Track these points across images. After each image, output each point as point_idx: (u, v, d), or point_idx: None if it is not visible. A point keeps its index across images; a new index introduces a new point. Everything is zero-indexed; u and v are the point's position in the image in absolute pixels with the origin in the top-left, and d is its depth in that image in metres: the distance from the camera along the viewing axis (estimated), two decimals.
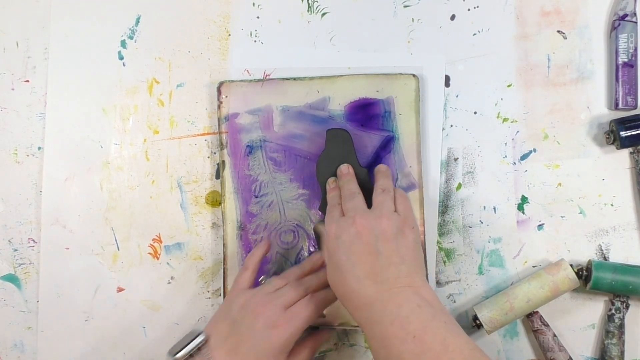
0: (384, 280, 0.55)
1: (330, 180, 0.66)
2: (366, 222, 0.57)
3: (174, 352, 0.59)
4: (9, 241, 0.72)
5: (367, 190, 0.62)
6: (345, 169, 0.66)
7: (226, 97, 0.69)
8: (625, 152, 0.69)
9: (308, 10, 0.71)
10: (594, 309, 0.69)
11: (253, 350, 0.57)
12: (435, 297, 0.55)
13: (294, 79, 0.69)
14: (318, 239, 0.68)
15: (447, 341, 0.51)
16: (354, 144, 0.67)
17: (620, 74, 0.67)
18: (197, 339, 0.59)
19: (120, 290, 0.71)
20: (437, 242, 0.69)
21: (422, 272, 0.57)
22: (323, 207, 0.67)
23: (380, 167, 0.65)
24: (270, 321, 0.58)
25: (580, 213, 0.69)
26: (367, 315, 0.54)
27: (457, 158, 0.70)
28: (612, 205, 0.69)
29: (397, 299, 0.53)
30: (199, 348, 0.59)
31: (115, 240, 0.71)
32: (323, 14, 0.71)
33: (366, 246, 0.56)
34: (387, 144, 0.68)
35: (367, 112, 0.69)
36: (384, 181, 0.63)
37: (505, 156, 0.69)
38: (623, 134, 0.65)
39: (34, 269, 0.72)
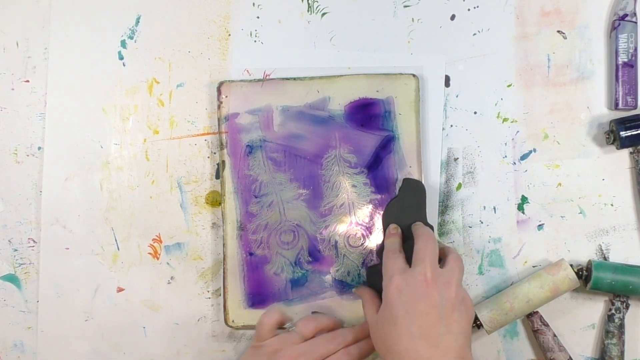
0: (440, 346, 0.54)
1: (392, 226, 0.65)
2: (437, 281, 0.56)
3: None
4: (9, 241, 0.72)
5: None
6: (423, 231, 0.62)
7: (226, 97, 0.69)
8: (625, 152, 0.69)
9: (308, 10, 0.71)
10: (594, 309, 0.69)
11: None
12: None
13: (294, 79, 0.69)
14: (371, 278, 0.66)
15: None
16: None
17: (620, 74, 0.67)
18: None
19: (120, 290, 0.71)
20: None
21: (470, 347, 0.57)
22: (381, 253, 0.65)
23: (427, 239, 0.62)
24: None
25: (580, 213, 0.69)
26: None
27: (457, 158, 0.70)
28: (612, 205, 0.69)
29: None
30: None
31: (115, 240, 0.71)
32: (323, 14, 0.71)
33: (431, 308, 0.55)
34: (387, 144, 0.68)
35: (367, 112, 0.69)
36: (454, 252, 0.61)
37: (505, 156, 0.69)
38: (623, 134, 0.65)
39: (34, 269, 0.72)
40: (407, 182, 0.66)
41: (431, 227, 0.65)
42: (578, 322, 0.69)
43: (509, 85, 0.70)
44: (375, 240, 0.68)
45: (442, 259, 0.60)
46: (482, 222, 0.69)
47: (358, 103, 0.69)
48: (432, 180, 0.69)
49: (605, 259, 0.69)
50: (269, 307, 0.64)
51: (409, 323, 0.54)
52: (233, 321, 0.68)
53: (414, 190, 0.66)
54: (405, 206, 0.66)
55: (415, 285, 0.56)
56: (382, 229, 0.67)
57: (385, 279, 0.58)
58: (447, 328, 0.55)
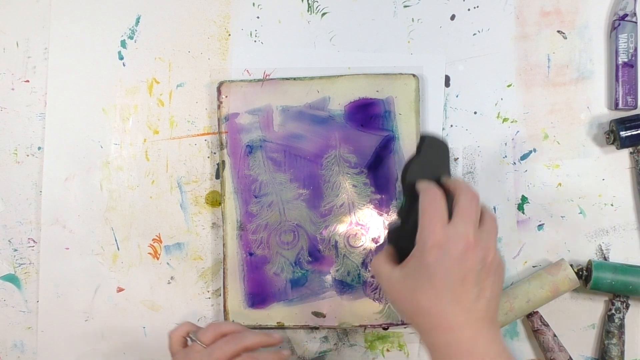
0: (473, 310, 0.52)
1: (425, 183, 0.56)
2: (478, 244, 0.52)
3: None
4: (9, 241, 0.72)
5: None
6: (466, 187, 0.56)
7: (226, 97, 0.69)
8: (625, 152, 0.69)
9: (308, 10, 0.71)
10: (594, 309, 0.69)
11: None
12: (501, 337, 0.54)
13: (294, 79, 0.69)
14: (392, 238, 0.58)
15: None
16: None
17: (620, 74, 0.67)
18: None
19: (120, 290, 0.71)
20: None
21: (498, 306, 0.55)
22: (402, 212, 0.57)
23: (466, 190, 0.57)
24: None
25: (580, 213, 0.69)
26: (444, 341, 0.51)
27: (457, 158, 0.70)
28: (612, 205, 0.69)
29: (484, 336, 0.51)
30: None
31: (115, 240, 0.71)
32: (323, 14, 0.71)
33: (469, 272, 0.52)
34: (387, 144, 0.68)
35: (367, 112, 0.69)
36: (490, 211, 0.57)
37: (505, 156, 0.69)
38: (623, 134, 0.65)
39: (34, 269, 0.72)
40: (429, 139, 0.57)
41: None
42: (578, 322, 0.69)
43: (509, 85, 0.69)
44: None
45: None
46: None
47: (358, 103, 0.69)
48: None
49: (605, 259, 0.69)
50: (180, 324, 0.63)
51: (445, 285, 0.51)
52: (233, 321, 0.68)
53: (436, 148, 0.58)
54: (427, 165, 0.57)
55: (457, 246, 0.51)
56: (403, 187, 0.57)
57: (423, 231, 0.52)
58: (480, 292, 0.52)
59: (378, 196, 0.68)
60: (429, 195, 0.54)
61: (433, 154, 0.57)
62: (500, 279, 0.54)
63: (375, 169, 0.68)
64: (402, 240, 0.54)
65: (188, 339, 0.62)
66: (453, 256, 0.51)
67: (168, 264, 0.71)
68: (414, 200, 0.55)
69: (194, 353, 0.60)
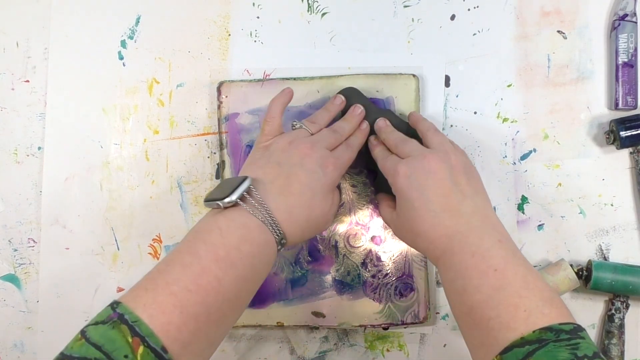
0: (461, 213, 0.55)
1: (372, 138, 0.65)
2: (437, 158, 0.57)
3: (219, 196, 0.54)
4: (9, 241, 0.72)
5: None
6: (382, 123, 0.65)
7: (226, 97, 0.69)
8: (625, 152, 0.69)
9: (308, 10, 0.71)
10: (594, 309, 0.69)
11: (306, 188, 0.56)
12: (508, 233, 0.55)
13: (294, 79, 0.69)
14: (380, 187, 0.67)
15: (528, 278, 0.50)
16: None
17: (620, 74, 0.67)
18: (245, 182, 0.54)
19: (120, 290, 0.71)
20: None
21: (491, 205, 0.58)
22: (379, 184, 0.67)
23: (413, 114, 0.66)
24: (321, 161, 0.58)
25: (580, 213, 0.69)
26: (444, 247, 0.54)
27: None
28: (612, 205, 0.69)
29: (478, 231, 0.54)
30: (248, 192, 0.54)
31: (115, 240, 0.71)
32: (323, 14, 0.71)
33: (440, 181, 0.56)
34: None
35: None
36: (426, 123, 0.64)
37: (505, 156, 0.69)
38: (623, 134, 0.65)
39: (34, 269, 0.72)
40: (343, 92, 0.67)
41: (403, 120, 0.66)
42: (578, 322, 0.69)
43: (509, 85, 0.69)
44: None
45: (423, 138, 0.62)
46: None
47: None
48: None
49: (605, 259, 0.69)
50: (270, 103, 0.63)
51: (426, 202, 0.56)
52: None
53: (352, 97, 0.66)
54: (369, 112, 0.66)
55: (419, 166, 0.57)
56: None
57: (389, 175, 0.59)
58: (462, 194, 0.56)
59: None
60: (352, 115, 0.64)
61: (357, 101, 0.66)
62: (475, 175, 0.59)
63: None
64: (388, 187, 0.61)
65: (292, 125, 0.63)
66: (419, 176, 0.56)
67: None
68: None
69: (302, 136, 0.60)
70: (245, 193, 0.54)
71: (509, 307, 0.48)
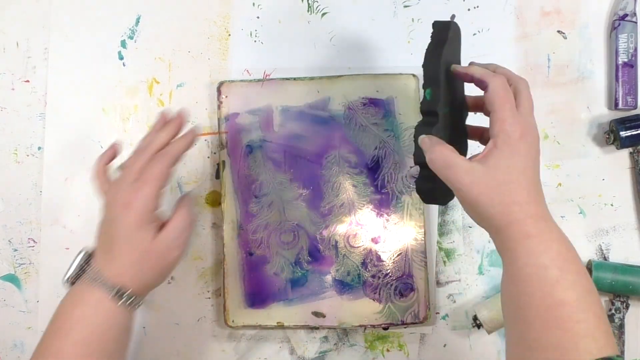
0: (544, 202, 0.50)
1: (492, 66, 0.54)
2: (539, 137, 0.51)
3: (64, 275, 0.57)
4: (9, 241, 0.72)
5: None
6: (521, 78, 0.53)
7: (226, 97, 0.69)
8: (625, 152, 0.69)
9: (308, 10, 0.71)
10: None
11: (121, 238, 0.55)
12: None
13: (294, 79, 0.69)
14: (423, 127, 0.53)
15: (595, 289, 0.48)
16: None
17: (620, 74, 0.67)
18: (79, 255, 0.57)
19: None
20: (437, 242, 0.69)
21: None
22: (434, 103, 0.52)
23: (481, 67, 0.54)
24: (123, 201, 0.55)
25: (580, 213, 0.69)
26: (535, 226, 0.48)
27: None
28: (612, 205, 0.69)
29: (560, 230, 0.50)
30: (87, 263, 0.57)
31: None
32: (323, 14, 0.71)
33: (537, 161, 0.50)
34: (387, 144, 0.68)
35: (367, 112, 0.69)
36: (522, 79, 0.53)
37: None
38: (623, 134, 0.65)
39: (34, 269, 0.72)
40: (448, 24, 0.54)
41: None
42: None
43: None
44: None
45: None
46: None
47: (358, 103, 0.69)
48: None
49: (605, 259, 0.69)
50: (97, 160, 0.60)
51: (534, 176, 0.49)
52: (233, 321, 0.68)
53: (456, 33, 0.55)
54: (451, 52, 0.54)
55: (534, 131, 0.50)
56: (424, 77, 0.52)
57: (505, 121, 0.49)
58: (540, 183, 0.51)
59: (378, 196, 0.68)
60: (499, 82, 0.51)
61: (453, 40, 0.55)
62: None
63: (376, 168, 0.68)
64: (436, 133, 0.51)
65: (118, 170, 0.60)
66: (535, 147, 0.50)
67: None
68: (445, 89, 0.52)
69: (123, 183, 0.56)
70: (81, 267, 0.57)
71: (596, 315, 0.46)
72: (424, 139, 0.51)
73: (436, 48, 0.52)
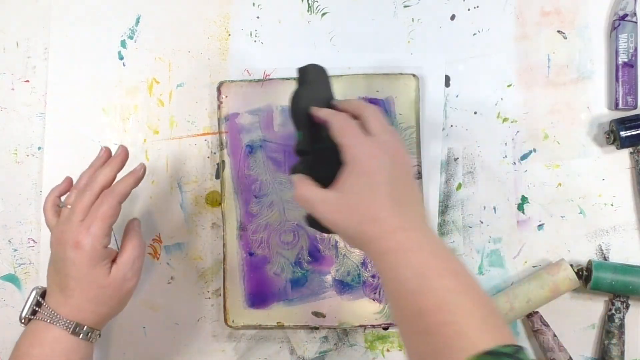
0: (415, 213, 0.52)
1: (323, 109, 0.57)
2: (400, 149, 0.54)
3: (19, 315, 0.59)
4: (9, 241, 0.72)
5: None
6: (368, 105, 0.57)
7: (226, 97, 0.69)
8: (625, 152, 0.69)
9: (308, 10, 0.71)
10: (594, 309, 0.69)
11: (75, 278, 0.56)
12: None
13: (294, 79, 0.69)
14: (300, 166, 0.57)
15: (475, 285, 0.49)
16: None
17: (620, 74, 0.67)
18: (31, 294, 0.59)
19: None
20: None
21: None
22: (303, 144, 0.57)
23: (351, 101, 0.58)
24: (73, 241, 0.56)
25: (580, 213, 0.69)
26: (397, 241, 0.49)
27: (457, 158, 0.70)
28: (612, 205, 0.69)
29: (429, 233, 0.51)
30: (38, 303, 0.59)
31: (116, 240, 0.71)
32: (323, 14, 0.71)
33: (406, 175, 0.53)
34: None
35: None
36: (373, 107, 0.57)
37: (505, 156, 0.69)
38: (623, 134, 0.65)
39: (34, 269, 0.72)
40: (305, 69, 0.58)
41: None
42: (578, 322, 0.69)
43: (509, 85, 0.69)
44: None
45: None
46: (482, 222, 0.69)
47: None
48: (432, 180, 0.69)
49: (605, 259, 0.69)
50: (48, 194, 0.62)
51: (388, 190, 0.51)
52: (233, 321, 0.68)
53: (317, 74, 0.59)
54: (313, 93, 0.58)
55: (388, 153, 0.52)
56: (293, 122, 0.58)
57: (351, 148, 0.52)
58: (413, 198, 0.53)
59: None
60: (339, 117, 0.55)
61: (316, 81, 0.59)
62: (418, 187, 0.57)
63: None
64: (312, 170, 0.55)
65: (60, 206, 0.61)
66: (387, 163, 0.52)
67: (168, 264, 0.71)
68: (312, 129, 0.56)
69: (70, 223, 0.58)
70: (35, 306, 0.59)
71: (465, 313, 0.47)
72: (293, 178, 0.55)
73: (295, 93, 0.57)
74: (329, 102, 0.58)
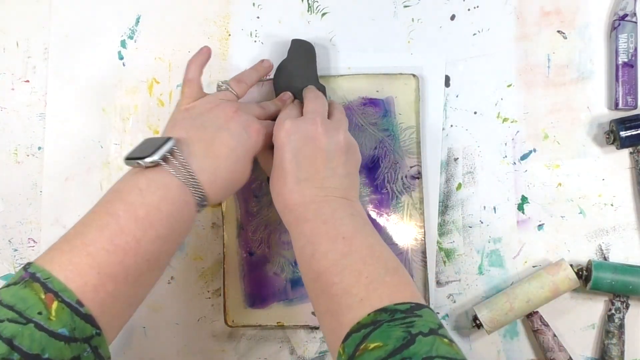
0: (324, 187, 0.56)
1: (289, 95, 0.65)
2: (326, 128, 0.57)
3: (140, 155, 0.52)
4: (9, 241, 0.72)
5: None
6: (312, 90, 0.64)
7: None
8: (625, 152, 0.69)
9: (308, 10, 0.71)
10: (594, 309, 0.69)
11: (231, 151, 0.55)
12: (366, 216, 0.57)
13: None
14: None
15: (375, 248, 0.52)
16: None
17: (620, 74, 0.67)
18: (168, 142, 0.53)
19: None
20: (437, 242, 0.69)
21: (358, 191, 0.59)
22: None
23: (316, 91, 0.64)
24: (245, 123, 0.57)
25: (580, 213, 0.69)
26: (298, 215, 0.55)
27: (457, 158, 0.70)
28: (612, 205, 0.69)
29: (333, 204, 0.55)
30: (171, 153, 0.53)
31: None
32: (323, 14, 0.71)
33: (319, 152, 0.56)
34: (387, 144, 0.68)
35: (367, 112, 0.69)
36: (339, 105, 0.64)
37: (505, 156, 0.69)
38: (623, 134, 0.65)
39: None
40: (296, 42, 0.66)
41: (323, 88, 0.66)
42: (578, 322, 0.69)
43: (509, 85, 0.70)
44: None
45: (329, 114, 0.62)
46: (482, 222, 0.69)
47: (358, 103, 0.69)
48: (432, 180, 0.69)
49: (605, 259, 0.69)
50: (188, 64, 0.61)
51: (296, 166, 0.56)
52: (233, 321, 0.68)
53: (304, 51, 0.66)
54: (295, 69, 0.66)
55: (305, 130, 0.57)
56: (275, 93, 0.67)
57: (276, 126, 0.58)
58: (332, 171, 0.56)
59: (377, 196, 0.68)
60: (281, 99, 0.63)
61: (301, 58, 0.66)
62: (354, 159, 0.59)
63: (375, 169, 0.68)
64: None
65: (219, 86, 0.62)
66: (300, 140, 0.56)
67: (168, 264, 0.71)
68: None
69: (226, 99, 0.59)
70: (168, 154, 0.52)
71: (353, 273, 0.50)
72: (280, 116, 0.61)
73: (282, 64, 0.67)
74: (311, 82, 0.66)
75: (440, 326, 0.47)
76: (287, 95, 0.65)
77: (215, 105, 0.58)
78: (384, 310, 0.46)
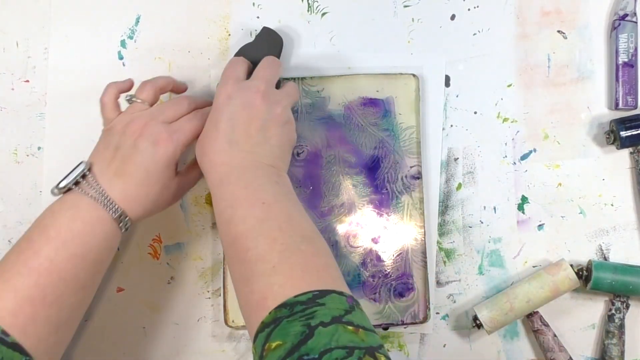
0: (254, 152, 0.56)
1: (241, 58, 0.64)
2: (265, 98, 0.57)
3: (57, 183, 0.56)
4: (9, 241, 0.72)
5: None
6: (269, 59, 0.64)
7: None
8: (625, 152, 0.69)
9: (308, 10, 0.71)
10: (594, 309, 0.69)
11: (139, 169, 0.56)
12: (292, 188, 0.57)
13: (294, 79, 0.69)
14: None
15: (293, 215, 0.52)
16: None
17: (620, 74, 0.67)
18: (78, 167, 0.56)
19: (120, 290, 0.71)
20: (437, 242, 0.69)
21: (287, 166, 0.59)
22: None
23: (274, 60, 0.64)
24: (152, 138, 0.57)
25: (580, 213, 0.69)
26: (221, 176, 0.55)
27: (457, 158, 0.70)
28: (612, 205, 0.69)
29: (259, 170, 0.55)
30: (83, 176, 0.56)
31: None
32: (323, 14, 0.71)
33: (254, 119, 0.57)
34: (387, 144, 0.68)
35: (367, 112, 0.69)
36: (293, 83, 0.65)
37: (505, 156, 0.69)
38: (623, 134, 0.65)
39: None
40: (265, 30, 0.67)
41: (280, 80, 0.65)
42: (578, 322, 0.69)
43: (509, 85, 0.70)
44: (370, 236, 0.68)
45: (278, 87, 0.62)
46: (482, 222, 0.69)
47: (358, 103, 0.69)
48: (432, 180, 0.69)
49: (605, 259, 0.69)
50: (105, 87, 0.63)
51: (229, 128, 0.56)
52: (233, 321, 0.68)
53: (272, 40, 0.67)
54: (255, 54, 0.65)
55: (247, 95, 0.57)
56: None
57: (219, 85, 0.59)
58: (265, 139, 0.57)
59: (377, 196, 0.68)
60: (231, 62, 0.62)
61: (268, 46, 0.66)
62: (289, 135, 0.59)
63: (375, 169, 0.68)
64: None
65: (126, 100, 0.62)
66: (238, 103, 0.57)
67: (168, 264, 0.71)
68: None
69: (137, 112, 0.60)
70: (80, 178, 0.56)
71: (268, 239, 0.50)
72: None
73: (245, 45, 0.67)
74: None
75: (347, 312, 0.45)
76: (242, 60, 0.64)
77: (125, 125, 0.59)
78: (283, 305, 0.46)
